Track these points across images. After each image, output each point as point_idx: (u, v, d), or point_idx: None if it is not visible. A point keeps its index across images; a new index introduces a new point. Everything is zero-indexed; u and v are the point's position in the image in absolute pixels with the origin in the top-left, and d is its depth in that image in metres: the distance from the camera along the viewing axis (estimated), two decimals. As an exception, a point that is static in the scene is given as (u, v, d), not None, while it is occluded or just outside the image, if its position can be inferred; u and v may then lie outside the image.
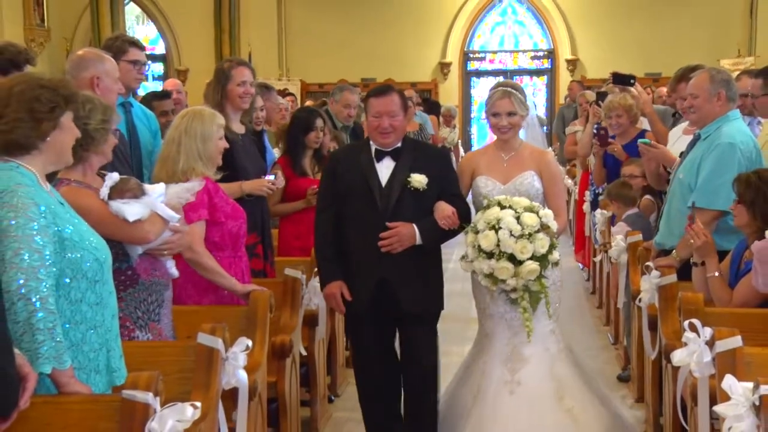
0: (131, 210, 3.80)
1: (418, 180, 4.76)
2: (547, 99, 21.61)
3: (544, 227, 4.67)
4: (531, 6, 21.16)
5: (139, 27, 20.62)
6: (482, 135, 22.12)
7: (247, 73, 5.78)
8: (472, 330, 5.48)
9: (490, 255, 4.62)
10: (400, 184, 4.80)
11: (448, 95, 20.36)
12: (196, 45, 19.42)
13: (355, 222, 4.87)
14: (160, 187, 4.07)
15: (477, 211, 4.96)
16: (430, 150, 5.45)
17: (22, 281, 3.03)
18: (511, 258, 4.61)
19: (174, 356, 3.83)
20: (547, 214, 4.72)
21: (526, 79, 21.74)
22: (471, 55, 21.63)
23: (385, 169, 4.87)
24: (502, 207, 4.68)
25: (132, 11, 20.14)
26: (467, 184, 5.11)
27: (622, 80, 6.56)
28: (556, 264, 4.80)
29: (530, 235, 4.61)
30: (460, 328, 7.53)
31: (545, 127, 18.96)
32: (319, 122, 6.56)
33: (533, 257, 4.61)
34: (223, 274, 4.60)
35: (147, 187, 4.04)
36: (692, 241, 4.81)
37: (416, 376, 5.03)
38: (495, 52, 21.86)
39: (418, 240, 4.80)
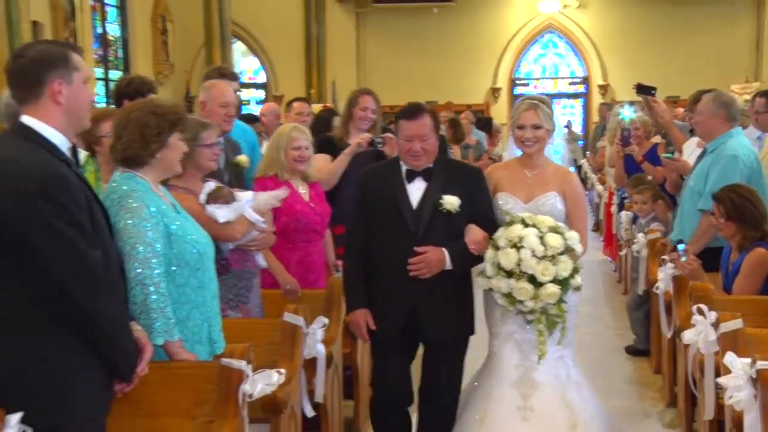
0: (221, 213, 3.86)
1: (451, 202, 3.88)
2: (583, 119, 21.29)
3: (568, 250, 3.82)
4: (568, 40, 20.90)
5: (244, 60, 20.73)
6: (526, 149, 21.91)
7: (370, 101, 5.67)
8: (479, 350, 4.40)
9: (509, 274, 3.77)
10: (431, 206, 3.90)
11: (498, 115, 20.03)
12: (290, 75, 19.52)
13: (384, 245, 3.94)
14: (249, 194, 4.10)
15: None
16: (462, 169, 4.27)
17: (138, 270, 3.07)
18: (532, 279, 3.75)
19: (264, 331, 3.85)
20: (572, 236, 3.85)
21: (564, 101, 21.58)
22: (517, 81, 21.36)
23: (416, 190, 3.96)
24: (526, 225, 3.82)
25: (239, 48, 20.30)
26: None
27: (645, 90, 6.32)
28: (577, 289, 3.91)
29: (553, 257, 3.76)
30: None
31: (581, 142, 18.81)
32: None
33: (555, 280, 3.78)
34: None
35: (238, 194, 4.07)
36: (683, 273, 4.78)
37: (435, 407, 4.12)
38: (538, 79, 21.60)
39: (448, 265, 3.89)
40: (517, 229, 3.80)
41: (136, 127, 3.21)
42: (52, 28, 13.97)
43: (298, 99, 8.18)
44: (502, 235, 3.83)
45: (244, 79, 20.78)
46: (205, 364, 3.23)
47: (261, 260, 4.31)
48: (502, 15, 20.33)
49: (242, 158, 4.85)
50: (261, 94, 20.56)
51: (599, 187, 12.07)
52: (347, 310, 4.10)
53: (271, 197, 4.27)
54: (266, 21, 19.40)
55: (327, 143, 5.66)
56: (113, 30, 16.89)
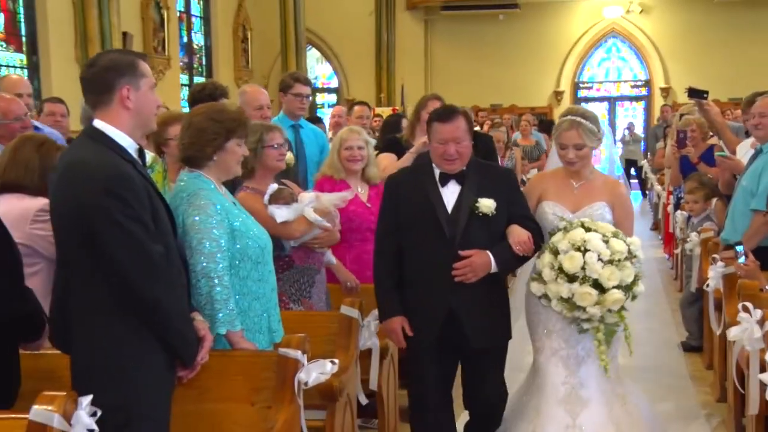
0: (280, 213, 3.90)
1: (487, 205, 3.60)
2: (644, 120, 20.84)
3: (631, 256, 3.56)
4: (631, 44, 20.51)
5: (318, 66, 20.94)
6: (590, 149, 21.60)
7: (438, 106, 5.71)
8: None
9: (572, 278, 3.49)
10: (467, 209, 3.61)
11: (561, 117, 19.94)
12: (361, 79, 19.62)
13: (419, 251, 3.65)
14: (311, 195, 4.13)
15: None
16: (495, 171, 3.93)
17: (204, 264, 3.12)
18: (595, 284, 3.48)
19: (323, 323, 3.86)
20: (634, 242, 3.59)
21: (626, 103, 21.23)
22: (581, 85, 21.07)
23: (450, 194, 3.66)
24: (587, 229, 3.55)
25: (313, 54, 20.51)
26: (532, 207, 3.88)
27: (696, 94, 6.11)
28: (635, 297, 3.62)
29: (619, 261, 3.49)
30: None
31: (643, 143, 18.40)
32: None
33: (619, 286, 3.50)
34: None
35: (302, 195, 4.11)
36: (740, 274, 4.53)
37: (482, 415, 3.90)
38: (601, 82, 21.26)
39: (494, 268, 3.61)
40: (579, 233, 3.53)
41: (195, 131, 3.27)
42: (142, 38, 14.36)
43: (358, 103, 8.23)
44: (562, 238, 3.56)
45: (318, 84, 20.99)
46: (264, 353, 3.25)
47: (331, 257, 4.35)
48: (566, 20, 20.06)
49: (288, 157, 4.90)
50: (333, 98, 20.69)
51: (658, 187, 11.90)
52: (381, 318, 3.82)
53: (337, 198, 4.28)
54: (340, 29, 19.54)
55: (393, 143, 5.71)
56: (198, 39, 17.27)
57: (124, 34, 11.74)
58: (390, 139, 5.71)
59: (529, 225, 3.69)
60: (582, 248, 3.49)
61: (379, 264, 3.77)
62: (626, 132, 18.36)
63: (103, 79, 2.75)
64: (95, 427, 2.49)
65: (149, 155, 2.88)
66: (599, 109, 21.37)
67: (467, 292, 3.62)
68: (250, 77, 18.00)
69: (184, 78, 16.17)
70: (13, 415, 2.53)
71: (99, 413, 2.51)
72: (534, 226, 3.72)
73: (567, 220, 3.67)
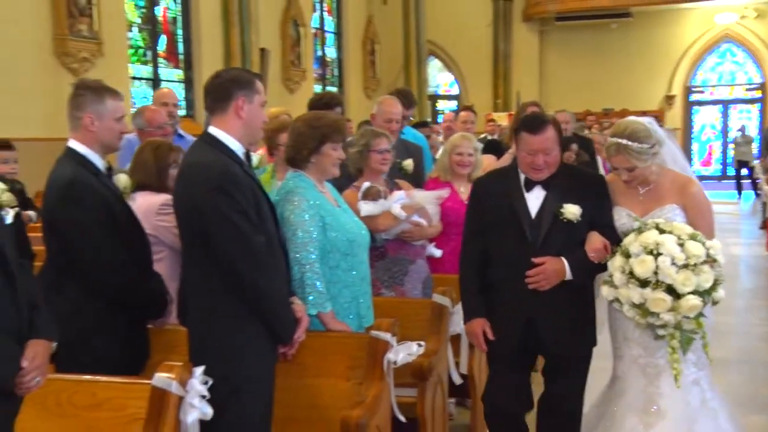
0: (365, 208, 4.00)
1: (572, 211, 3.32)
2: (759, 123, 19.74)
3: (710, 260, 3.11)
4: (746, 48, 19.47)
5: (440, 75, 20.99)
6: (702, 152, 20.72)
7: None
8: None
9: (644, 283, 3.10)
10: (551, 215, 3.33)
11: (672, 121, 19.16)
12: (479, 87, 19.49)
13: (501, 255, 3.41)
14: (400, 193, 4.20)
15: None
16: (583, 177, 3.56)
17: (297, 253, 3.24)
18: (669, 290, 3.08)
19: (417, 310, 3.90)
20: (714, 245, 3.14)
21: (740, 106, 20.21)
22: (693, 89, 20.18)
23: (534, 199, 3.39)
24: (662, 231, 3.15)
25: (436, 65, 20.57)
26: None
27: None
28: (715, 303, 3.19)
29: (695, 266, 3.07)
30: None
31: (758, 146, 17.44)
32: None
33: (696, 292, 3.08)
34: None
35: (395, 193, 4.19)
36: None
37: (555, 425, 3.54)
38: (714, 86, 20.30)
39: (569, 275, 3.31)
40: (652, 235, 3.13)
41: (295, 136, 3.42)
42: (280, 53, 14.84)
43: (465, 108, 8.22)
44: (634, 241, 3.17)
45: (440, 92, 21.05)
46: (359, 335, 3.35)
47: (434, 250, 4.42)
48: (678, 27, 19.27)
49: (407, 163, 4.97)
50: (453, 104, 20.69)
51: (766, 188, 11.36)
52: (464, 320, 3.56)
53: (433, 197, 4.34)
54: (460, 40, 19.51)
55: (493, 145, 5.73)
56: (330, 52, 17.65)
57: (262, 50, 12.17)
58: (489, 141, 5.72)
59: (609, 234, 3.35)
60: (654, 252, 3.10)
61: (464, 265, 3.55)
62: (739, 134, 17.54)
63: (224, 89, 2.91)
64: (207, 393, 2.66)
65: (255, 157, 3.02)
66: (712, 113, 20.46)
67: (547, 298, 3.33)
68: (377, 86, 18.25)
69: (317, 88, 16.57)
70: (140, 381, 2.74)
71: (210, 382, 2.68)
72: (613, 236, 3.35)
73: (641, 221, 3.27)
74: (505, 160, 5.32)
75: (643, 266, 3.10)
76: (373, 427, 3.14)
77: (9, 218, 2.38)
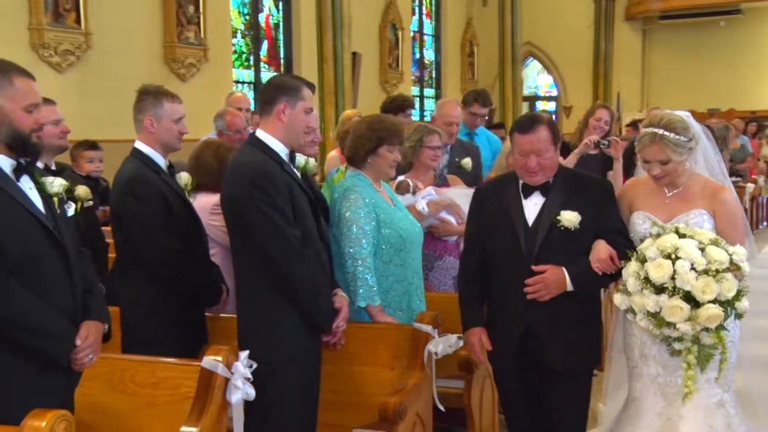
0: None
1: (569, 219, 3.08)
2: None
3: (733, 267, 2.83)
4: None
5: (540, 77, 20.72)
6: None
7: (605, 113, 5.63)
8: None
9: (660, 289, 2.84)
10: (548, 222, 3.11)
11: (782, 121, 18.20)
12: (579, 87, 19.07)
13: (499, 264, 3.22)
14: (428, 189, 4.28)
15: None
16: (587, 182, 3.29)
17: (351, 247, 3.38)
18: (688, 297, 2.81)
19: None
20: (738, 251, 2.86)
21: None
22: (808, 87, 19.07)
23: (533, 205, 3.17)
24: (682, 235, 2.90)
25: (535, 66, 20.33)
26: (625, 218, 3.25)
27: None
28: (740, 316, 2.90)
29: (717, 273, 2.79)
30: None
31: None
32: None
33: (717, 301, 2.80)
34: None
35: (428, 189, 4.27)
36: None
37: None
38: (832, 84, 19.12)
39: (569, 286, 3.08)
40: (671, 239, 2.89)
41: (355, 137, 3.58)
42: (378, 56, 15.11)
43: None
44: (651, 245, 2.93)
45: (541, 93, 20.78)
46: (403, 327, 3.46)
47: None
48: (792, 24, 18.25)
49: (465, 161, 5.03)
50: (552, 105, 20.38)
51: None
52: (463, 329, 3.37)
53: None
54: (560, 41, 19.16)
55: (562, 146, 5.68)
56: (429, 55, 17.76)
57: (354, 54, 12.43)
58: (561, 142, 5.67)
59: (618, 241, 3.12)
60: (672, 256, 2.85)
61: (462, 273, 3.40)
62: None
63: (270, 94, 3.10)
64: (250, 375, 2.84)
65: (301, 158, 3.19)
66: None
67: (546, 309, 3.11)
68: (475, 88, 18.20)
69: (415, 90, 16.73)
70: (192, 363, 2.92)
71: (255, 365, 2.85)
72: (625, 242, 3.14)
73: (660, 225, 3.04)
74: (570, 161, 5.28)
75: (660, 270, 2.84)
76: (412, 414, 3.25)
77: (70, 211, 2.64)
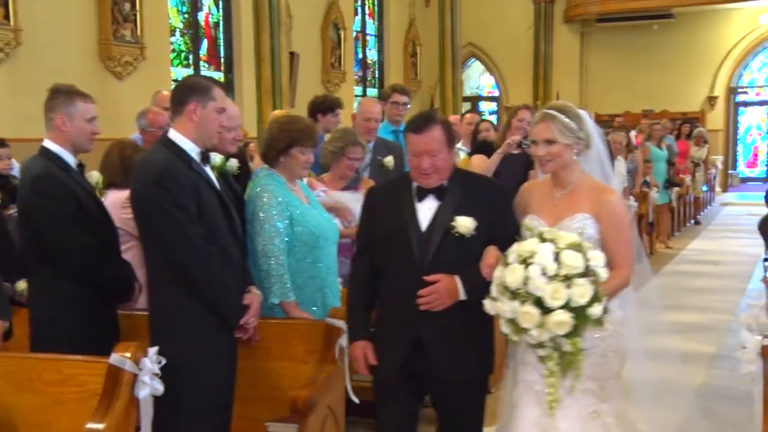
0: None
1: (464, 225, 2.89)
2: (807, 125, 19.25)
3: (589, 272, 2.68)
4: (795, 48, 18.94)
5: (482, 77, 20.96)
6: (747, 153, 20.20)
7: (527, 114, 5.74)
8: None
9: (514, 295, 2.69)
10: (442, 228, 2.91)
11: (714, 122, 18.75)
12: (520, 88, 19.36)
13: (389, 272, 3.00)
14: (318, 191, 4.29)
15: None
16: (483, 185, 3.13)
17: (263, 245, 3.42)
18: (539, 303, 2.66)
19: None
20: (596, 257, 2.72)
21: (788, 108, 19.67)
22: (739, 90, 19.68)
23: (427, 210, 2.96)
24: (543, 240, 2.74)
25: (478, 67, 20.56)
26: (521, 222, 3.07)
27: None
28: (599, 323, 2.72)
29: (568, 278, 2.65)
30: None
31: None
32: None
33: (567, 307, 2.64)
34: None
35: (317, 191, 4.27)
36: None
37: None
38: (762, 87, 19.76)
39: (462, 295, 2.89)
40: (531, 243, 2.75)
41: (268, 136, 3.61)
42: (321, 56, 15.10)
43: (469, 111, 8.30)
44: (514, 249, 2.77)
45: (484, 93, 21.03)
46: (317, 322, 3.50)
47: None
48: (721, 28, 18.80)
49: (387, 159, 5.09)
50: (494, 105, 20.66)
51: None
52: (349, 340, 3.20)
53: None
54: (501, 43, 19.47)
55: (484, 145, 5.80)
56: (372, 55, 17.82)
57: (291, 53, 12.42)
58: (480, 141, 5.81)
59: (509, 247, 2.85)
60: (527, 260, 2.70)
61: (351, 282, 3.20)
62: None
63: (181, 94, 3.12)
64: (158, 371, 2.84)
65: (218, 157, 3.20)
66: (758, 114, 19.94)
67: (440, 320, 2.90)
68: (418, 88, 18.33)
69: (358, 90, 16.78)
70: (99, 360, 2.89)
71: (164, 361, 2.86)
72: None
73: (532, 229, 2.89)
74: (493, 161, 5.40)
75: (513, 276, 2.69)
76: (323, 407, 3.30)
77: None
